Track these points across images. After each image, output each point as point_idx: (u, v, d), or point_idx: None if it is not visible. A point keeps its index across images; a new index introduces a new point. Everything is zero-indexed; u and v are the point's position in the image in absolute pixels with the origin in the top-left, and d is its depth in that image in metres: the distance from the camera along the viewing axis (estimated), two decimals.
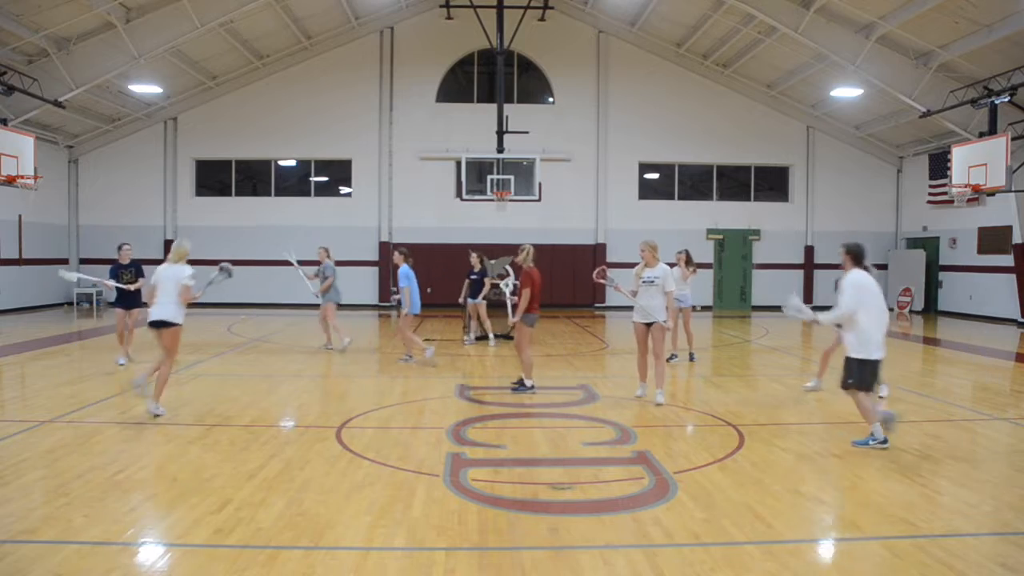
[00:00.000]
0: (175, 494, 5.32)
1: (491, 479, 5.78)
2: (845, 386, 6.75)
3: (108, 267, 11.34)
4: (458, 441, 6.90)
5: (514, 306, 9.48)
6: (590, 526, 4.83)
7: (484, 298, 13.82)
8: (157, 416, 7.61)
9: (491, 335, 14.14)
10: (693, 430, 7.65)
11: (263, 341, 14.47)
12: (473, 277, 13.85)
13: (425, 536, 4.61)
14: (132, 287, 11.26)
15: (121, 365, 10.78)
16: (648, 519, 4.90)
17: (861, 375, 6.63)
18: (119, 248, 11.39)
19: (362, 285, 21.93)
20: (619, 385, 10.09)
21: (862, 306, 6.60)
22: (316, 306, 13.49)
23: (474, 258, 13.94)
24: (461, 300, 14.15)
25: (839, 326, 7.05)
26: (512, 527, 4.79)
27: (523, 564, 4.22)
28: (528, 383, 9.25)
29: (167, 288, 7.76)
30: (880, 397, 8.37)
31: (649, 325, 8.60)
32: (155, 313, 7.72)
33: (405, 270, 11.28)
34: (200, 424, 7.49)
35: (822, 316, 6.96)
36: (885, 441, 6.65)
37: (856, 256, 6.81)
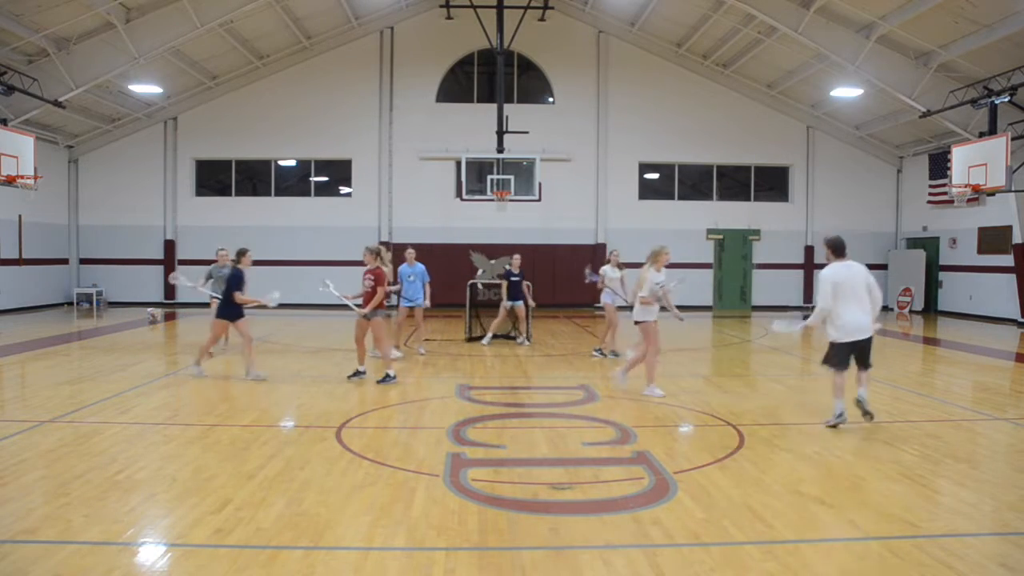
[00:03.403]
0: (175, 494, 5.32)
1: (491, 479, 5.78)
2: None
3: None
4: (458, 441, 6.89)
5: (361, 304, 9.90)
6: (590, 526, 4.82)
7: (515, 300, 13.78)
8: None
9: (523, 337, 14.15)
10: (693, 430, 7.65)
11: (263, 341, 14.44)
12: (514, 279, 13.65)
13: (425, 536, 4.61)
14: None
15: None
16: (648, 519, 4.90)
17: (838, 356, 7.38)
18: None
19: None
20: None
21: (837, 297, 7.23)
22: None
23: (516, 260, 13.81)
24: (507, 304, 13.76)
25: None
26: (512, 527, 4.78)
27: (523, 564, 4.22)
28: (392, 372, 9.78)
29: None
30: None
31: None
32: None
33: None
34: (200, 424, 7.49)
35: (808, 321, 7.54)
36: (841, 415, 7.36)
37: (836, 249, 7.46)
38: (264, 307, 10.10)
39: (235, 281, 9.92)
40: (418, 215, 22.49)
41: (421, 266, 12.74)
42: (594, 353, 12.47)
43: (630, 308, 9.42)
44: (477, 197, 19.89)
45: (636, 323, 9.19)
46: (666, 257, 9.08)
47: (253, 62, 21.79)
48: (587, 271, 13.71)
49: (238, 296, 9.88)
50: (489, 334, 14.16)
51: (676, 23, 21.36)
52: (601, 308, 13.00)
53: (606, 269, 12.40)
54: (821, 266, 24.75)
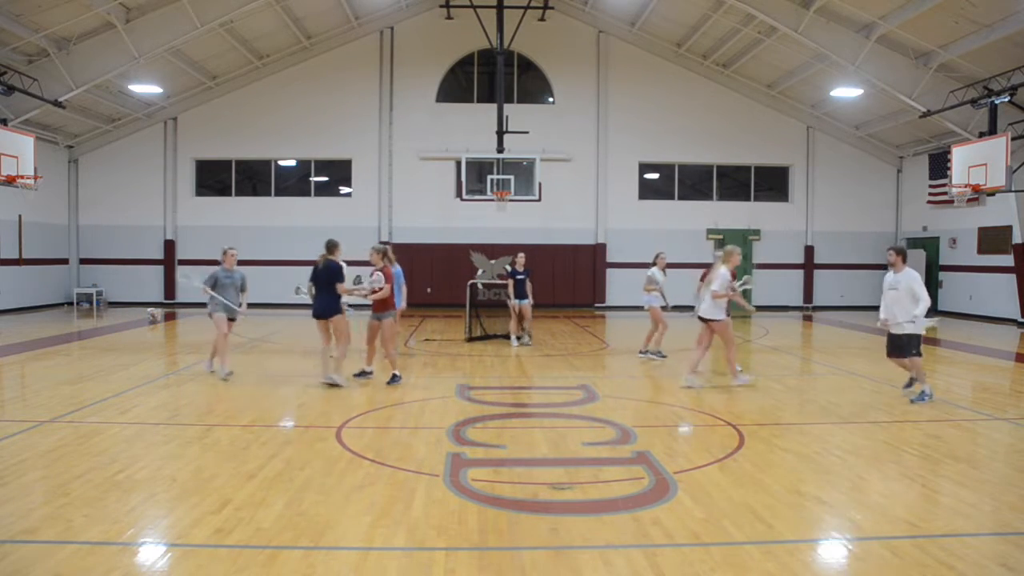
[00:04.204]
0: (175, 494, 5.32)
1: (491, 479, 5.78)
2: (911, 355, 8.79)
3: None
4: (458, 441, 6.89)
5: (375, 302, 9.83)
6: (590, 526, 4.82)
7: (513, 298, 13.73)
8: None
9: (528, 337, 14.06)
10: (693, 430, 7.65)
11: (263, 341, 14.46)
12: (519, 277, 13.60)
13: (425, 536, 4.61)
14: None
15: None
16: (648, 519, 4.90)
17: (920, 345, 8.73)
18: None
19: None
20: (619, 385, 10.11)
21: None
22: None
23: (520, 258, 13.79)
24: (514, 303, 13.71)
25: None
26: (512, 527, 4.79)
27: (523, 564, 4.22)
28: (398, 372, 9.82)
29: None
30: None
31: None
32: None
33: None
34: (200, 424, 7.50)
35: (918, 313, 8.48)
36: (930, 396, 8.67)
37: (906, 255, 8.80)
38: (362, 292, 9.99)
39: (338, 274, 9.38)
40: (418, 215, 22.49)
41: (398, 268, 12.53)
42: (652, 356, 12.14)
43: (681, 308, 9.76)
44: (477, 197, 19.89)
45: (708, 320, 9.59)
46: (738, 257, 9.91)
47: (253, 62, 21.79)
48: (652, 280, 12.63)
49: (342, 288, 9.39)
50: (513, 336, 13.95)
51: (676, 23, 21.36)
52: (641, 309, 12.52)
53: (655, 272, 12.14)
54: (821, 266, 24.73)
